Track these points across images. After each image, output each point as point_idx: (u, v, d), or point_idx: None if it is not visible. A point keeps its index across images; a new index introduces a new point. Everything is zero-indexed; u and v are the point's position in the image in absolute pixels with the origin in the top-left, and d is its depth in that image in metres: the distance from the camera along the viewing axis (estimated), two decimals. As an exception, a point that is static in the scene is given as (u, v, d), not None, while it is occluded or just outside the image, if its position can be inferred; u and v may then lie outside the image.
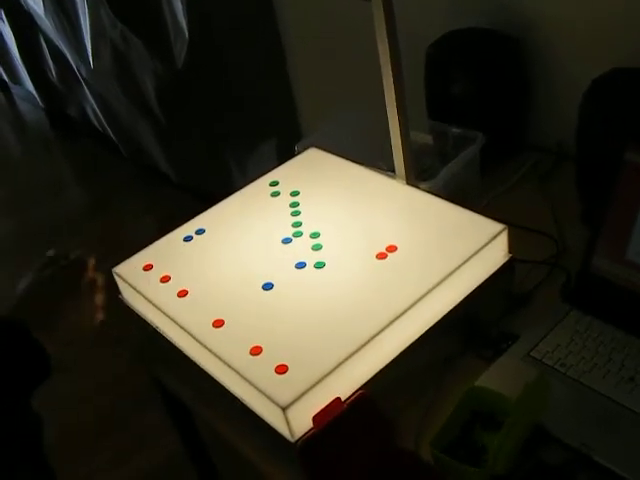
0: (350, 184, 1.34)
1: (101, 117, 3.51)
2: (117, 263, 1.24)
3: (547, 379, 1.00)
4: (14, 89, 4.92)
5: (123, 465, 2.17)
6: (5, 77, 4.74)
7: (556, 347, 1.11)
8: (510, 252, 1.18)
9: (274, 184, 1.38)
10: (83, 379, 2.25)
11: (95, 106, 3.49)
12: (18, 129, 4.85)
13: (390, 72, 1.22)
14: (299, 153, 1.49)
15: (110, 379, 2.33)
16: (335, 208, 1.28)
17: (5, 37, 4.18)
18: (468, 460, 0.96)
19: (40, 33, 3.68)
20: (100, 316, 1.04)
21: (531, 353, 1.11)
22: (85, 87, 3.44)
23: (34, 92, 4.29)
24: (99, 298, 1.04)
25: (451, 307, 1.09)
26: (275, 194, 1.35)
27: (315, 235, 1.21)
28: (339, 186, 1.34)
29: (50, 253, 1.03)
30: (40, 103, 4.36)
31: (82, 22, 3.02)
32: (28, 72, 4.15)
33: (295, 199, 1.32)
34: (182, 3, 2.29)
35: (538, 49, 1.59)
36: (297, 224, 1.25)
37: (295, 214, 1.28)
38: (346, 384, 0.98)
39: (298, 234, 1.22)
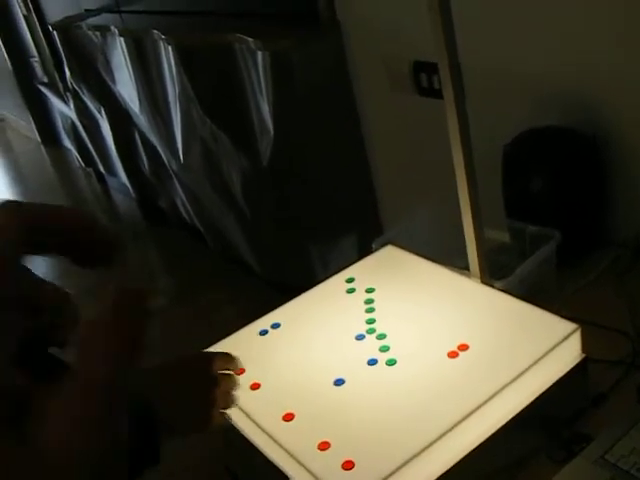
0: (424, 282, 1.35)
1: (190, 210, 3.61)
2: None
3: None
4: (110, 181, 5.12)
5: None
6: (102, 169, 4.93)
7: (632, 450, 1.08)
8: (584, 351, 1.17)
9: (350, 281, 1.40)
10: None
11: (184, 199, 3.60)
12: (112, 219, 5.02)
13: (463, 170, 1.24)
14: (376, 250, 1.51)
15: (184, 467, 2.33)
16: (409, 305, 1.30)
17: (104, 132, 4.37)
18: None
19: (135, 129, 3.85)
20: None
21: (605, 456, 1.08)
22: (175, 181, 3.56)
23: (128, 184, 4.46)
24: None
25: (522, 408, 1.08)
26: (351, 291, 1.37)
27: (382, 337, 1.22)
28: (414, 283, 1.35)
29: None
30: (133, 194, 4.51)
31: (174, 120, 3.15)
32: (123, 165, 4.32)
33: (370, 296, 1.34)
34: (268, 104, 2.37)
35: (616, 146, 1.60)
36: (371, 321, 1.26)
37: (369, 311, 1.30)
38: (413, 484, 0.98)
39: (371, 331, 1.24)
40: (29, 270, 0.69)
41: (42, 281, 0.90)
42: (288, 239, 2.84)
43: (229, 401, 0.97)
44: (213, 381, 0.95)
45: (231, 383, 0.98)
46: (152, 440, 0.83)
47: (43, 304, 0.85)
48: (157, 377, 0.92)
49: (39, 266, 0.81)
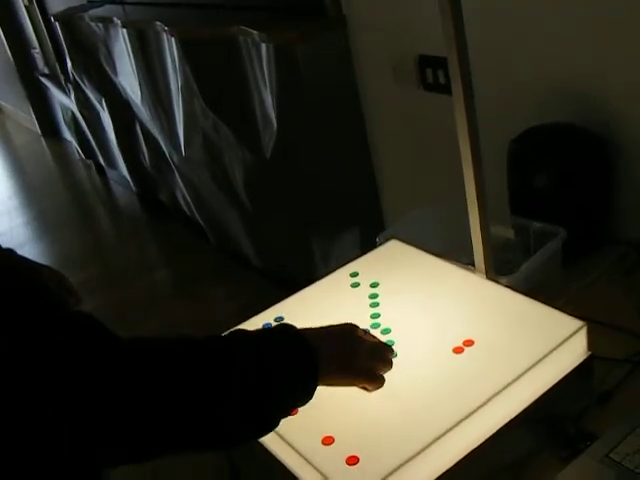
0: (429, 277, 1.35)
1: (190, 203, 3.60)
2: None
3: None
4: (110, 173, 5.11)
5: None
6: (102, 161, 4.92)
7: (637, 449, 1.07)
8: (590, 349, 1.16)
9: (354, 275, 1.39)
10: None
11: (185, 192, 3.59)
12: (112, 211, 5.02)
13: (470, 166, 1.23)
14: (380, 244, 1.51)
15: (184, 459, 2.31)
16: (414, 300, 1.29)
17: (104, 124, 4.36)
18: None
19: (136, 121, 3.83)
20: None
21: (610, 454, 1.07)
22: (176, 173, 3.55)
23: (128, 176, 4.45)
24: None
25: (527, 404, 1.07)
26: (355, 285, 1.36)
27: (386, 331, 1.22)
28: (419, 278, 1.35)
29: None
30: (133, 187, 4.50)
31: (176, 111, 3.14)
32: (123, 157, 4.30)
33: (374, 290, 1.33)
34: (272, 97, 2.36)
35: (622, 144, 1.59)
36: (375, 315, 1.26)
37: (374, 305, 1.29)
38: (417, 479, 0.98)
39: (376, 325, 1.23)
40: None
41: (44, 266, 1.38)
42: (290, 233, 2.83)
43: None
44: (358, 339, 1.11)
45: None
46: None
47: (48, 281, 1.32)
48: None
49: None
